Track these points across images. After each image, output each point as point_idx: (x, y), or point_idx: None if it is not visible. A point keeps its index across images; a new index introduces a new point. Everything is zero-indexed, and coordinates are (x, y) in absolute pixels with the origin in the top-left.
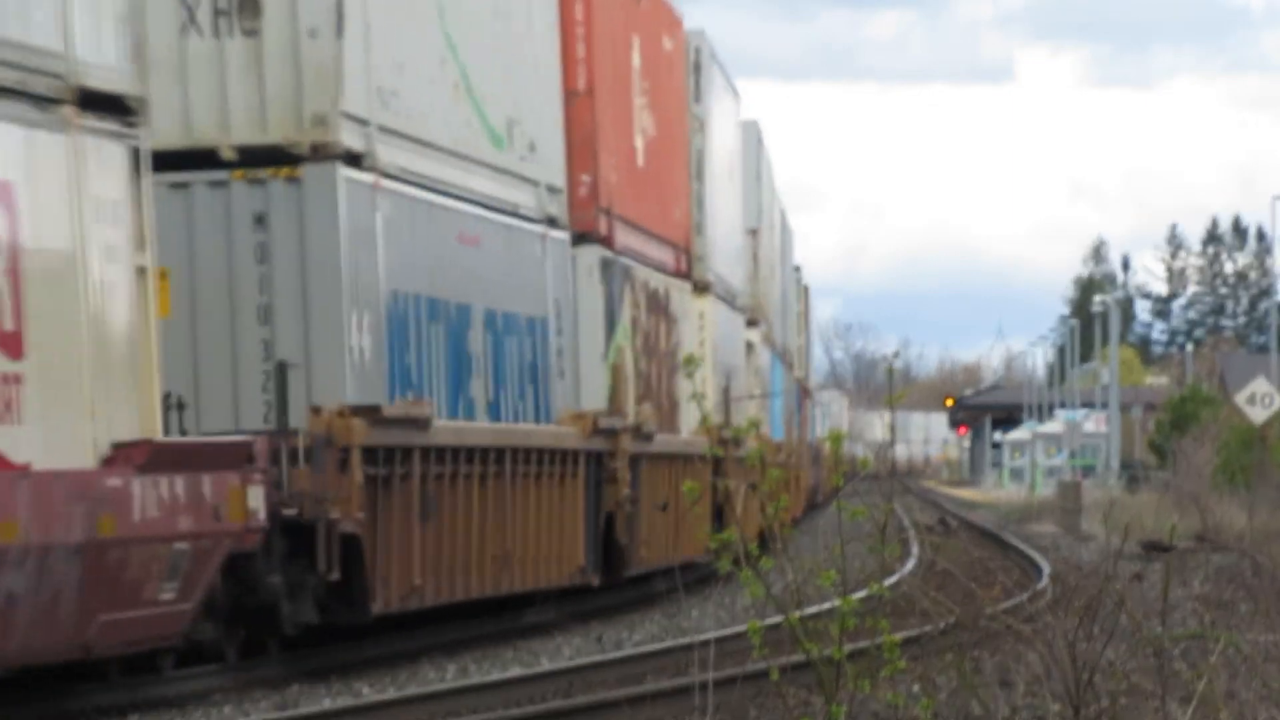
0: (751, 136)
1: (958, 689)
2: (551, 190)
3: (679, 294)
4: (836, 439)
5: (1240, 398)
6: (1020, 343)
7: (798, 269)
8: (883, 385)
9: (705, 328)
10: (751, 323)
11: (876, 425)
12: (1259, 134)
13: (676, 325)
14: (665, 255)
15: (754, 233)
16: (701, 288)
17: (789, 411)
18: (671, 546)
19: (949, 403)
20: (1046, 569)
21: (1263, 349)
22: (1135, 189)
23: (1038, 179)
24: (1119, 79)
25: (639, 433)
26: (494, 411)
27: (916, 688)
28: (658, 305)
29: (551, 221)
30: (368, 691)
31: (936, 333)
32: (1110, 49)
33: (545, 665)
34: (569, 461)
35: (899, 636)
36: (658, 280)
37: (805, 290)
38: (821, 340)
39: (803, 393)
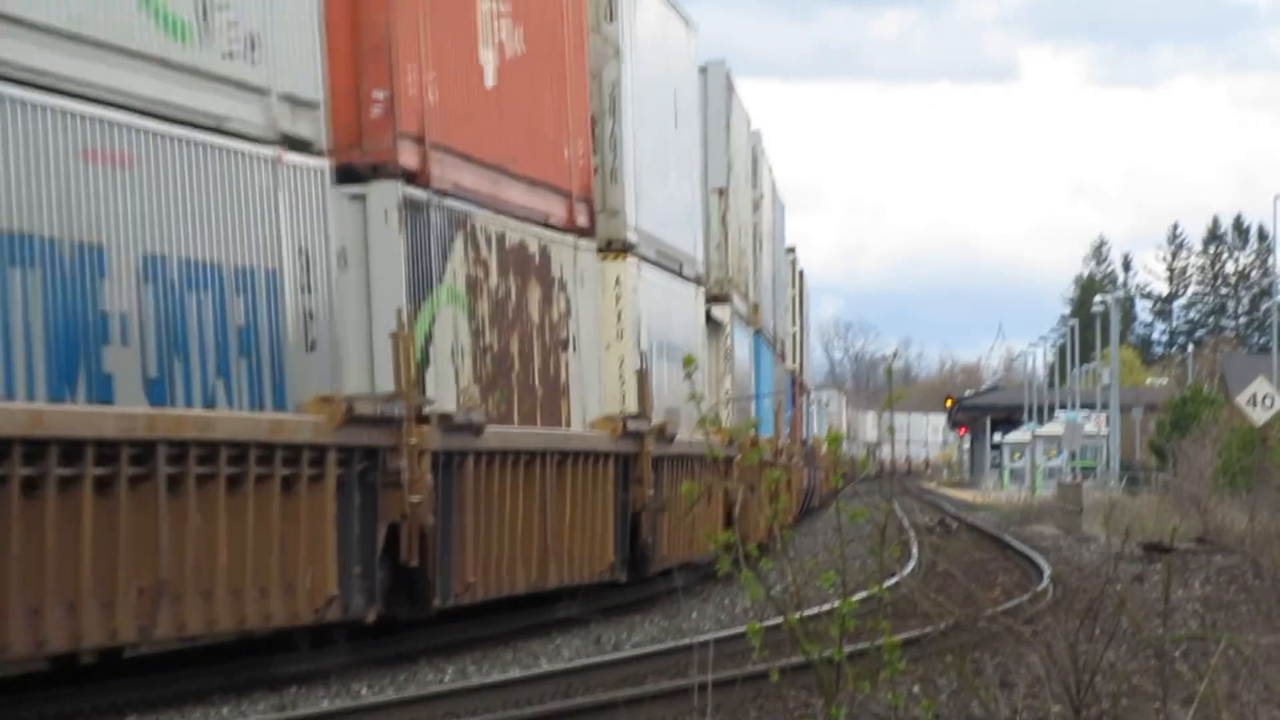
0: (717, 82)
1: (958, 690)
2: (294, 102)
3: (568, 253)
4: (835, 440)
5: (1241, 399)
6: (1020, 343)
7: (791, 251)
8: (882, 385)
9: (625, 298)
10: (718, 298)
11: (869, 425)
12: (1260, 134)
13: (566, 292)
14: (544, 203)
15: (721, 193)
16: (618, 248)
17: (779, 406)
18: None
19: (949, 403)
20: (1047, 570)
21: (1264, 349)
22: (1136, 189)
23: (1038, 179)
24: (1121, 78)
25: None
26: (157, 392)
27: (917, 689)
28: (525, 265)
29: (295, 144)
30: (366, 693)
31: (936, 333)
32: (1113, 48)
33: (544, 666)
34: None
35: (899, 638)
36: (525, 233)
37: (801, 276)
38: (821, 340)
39: (797, 387)
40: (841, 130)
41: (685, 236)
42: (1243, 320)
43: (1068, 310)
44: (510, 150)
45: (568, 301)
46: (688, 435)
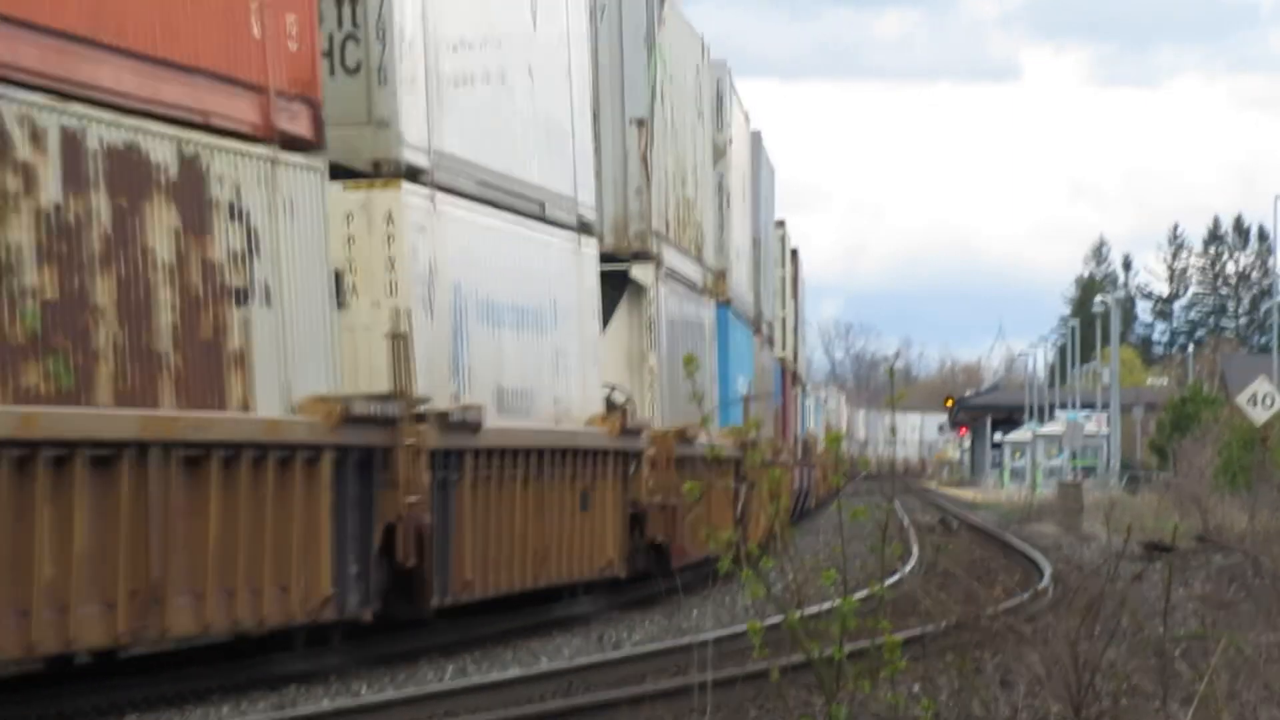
0: None
1: (958, 689)
2: None
3: (254, 170)
4: (835, 440)
5: (1241, 398)
6: (1021, 343)
7: (781, 225)
8: (883, 385)
9: (402, 240)
10: (640, 255)
11: (859, 423)
12: (1261, 133)
13: (246, 223)
14: (200, 96)
15: (641, 125)
16: (390, 173)
17: (766, 396)
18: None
19: (949, 403)
20: (1048, 569)
21: (1264, 349)
22: (1137, 189)
23: (1039, 178)
24: (1123, 78)
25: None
26: None
27: (917, 688)
28: (140, 179)
29: None
30: (366, 692)
31: (937, 333)
32: (1115, 48)
33: (545, 665)
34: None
35: (900, 637)
36: (144, 135)
37: (795, 256)
38: (822, 340)
39: (789, 377)
40: (842, 130)
41: (554, 170)
42: (1243, 320)
43: (1068, 310)
44: (113, 15)
45: (251, 237)
46: (551, 424)
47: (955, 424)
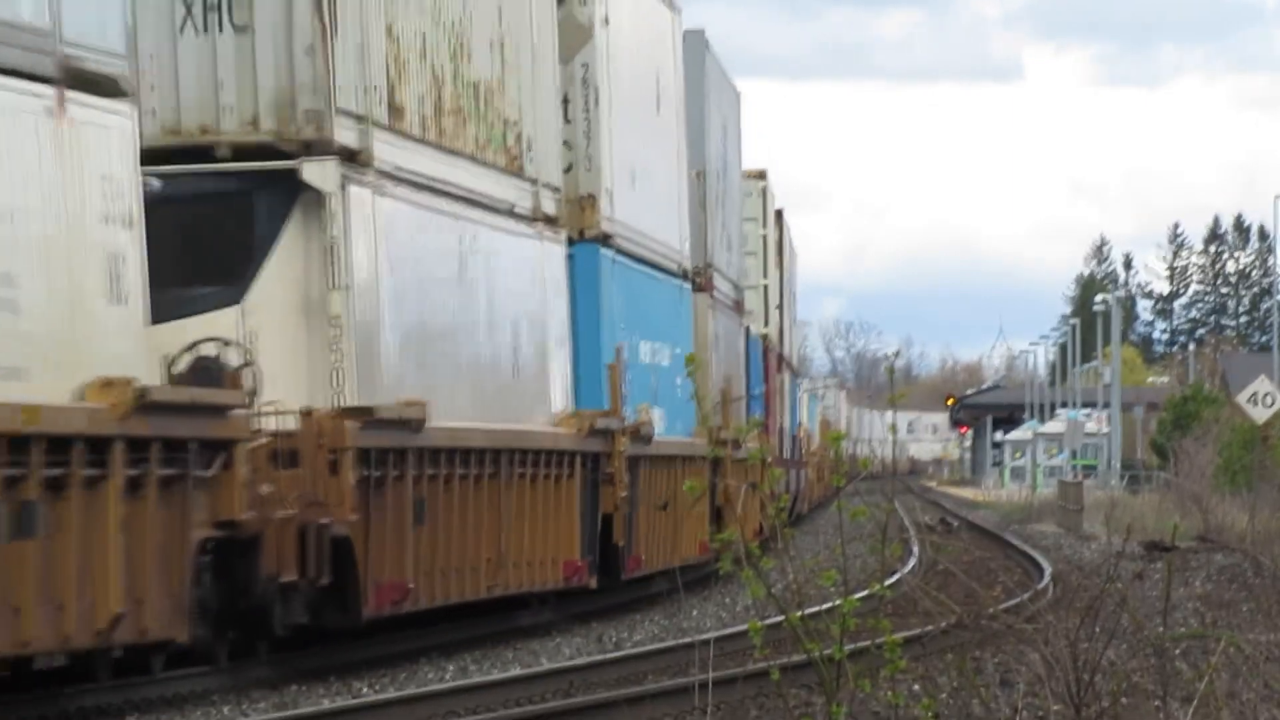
0: None
1: (959, 689)
2: None
3: None
4: (836, 439)
5: (1242, 397)
6: (1022, 342)
7: (761, 176)
8: (884, 384)
9: None
10: (313, 146)
11: (860, 423)
12: (1261, 133)
13: None
14: None
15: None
16: None
17: (739, 382)
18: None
19: (950, 402)
20: (1048, 569)
21: (1264, 348)
22: (1137, 188)
23: (1040, 178)
24: (1125, 78)
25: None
26: None
27: (917, 687)
28: None
29: None
30: (367, 691)
31: (938, 332)
32: (1117, 48)
33: (545, 665)
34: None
35: (900, 636)
36: None
37: (781, 217)
38: (823, 340)
39: (772, 360)
40: (844, 130)
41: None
42: (1243, 319)
43: (1069, 309)
44: None
45: None
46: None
47: (955, 423)
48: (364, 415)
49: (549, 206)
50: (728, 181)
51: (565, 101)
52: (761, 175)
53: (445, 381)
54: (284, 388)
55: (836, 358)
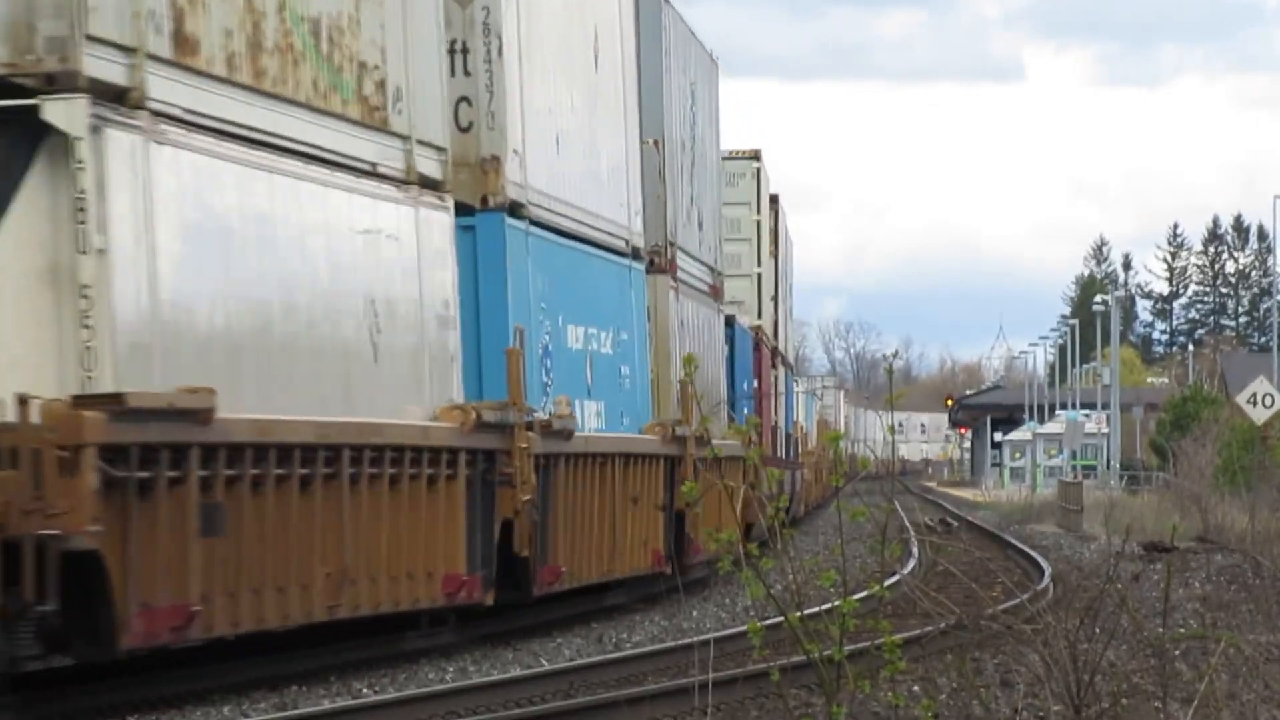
0: None
1: (958, 689)
2: None
3: None
4: (834, 439)
5: (1241, 398)
6: (1021, 342)
7: (755, 157)
8: (884, 384)
9: None
10: (56, 80)
11: (860, 424)
12: (1261, 133)
13: None
14: None
15: None
16: None
17: (712, 373)
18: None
19: (949, 402)
20: (1048, 569)
21: (1264, 349)
22: (1137, 188)
23: (1040, 178)
24: (1125, 78)
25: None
26: None
27: (917, 688)
28: None
29: None
30: (367, 691)
31: (938, 332)
32: (1117, 48)
33: (545, 666)
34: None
35: (900, 637)
36: None
37: (776, 202)
38: (822, 339)
39: (764, 354)
40: (844, 130)
41: None
42: (1243, 320)
43: (1068, 310)
44: None
45: None
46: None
47: (955, 423)
48: (111, 403)
49: (428, 168)
50: (698, 154)
51: (465, 51)
52: (755, 156)
53: (261, 367)
54: (28, 372)
55: (836, 358)
